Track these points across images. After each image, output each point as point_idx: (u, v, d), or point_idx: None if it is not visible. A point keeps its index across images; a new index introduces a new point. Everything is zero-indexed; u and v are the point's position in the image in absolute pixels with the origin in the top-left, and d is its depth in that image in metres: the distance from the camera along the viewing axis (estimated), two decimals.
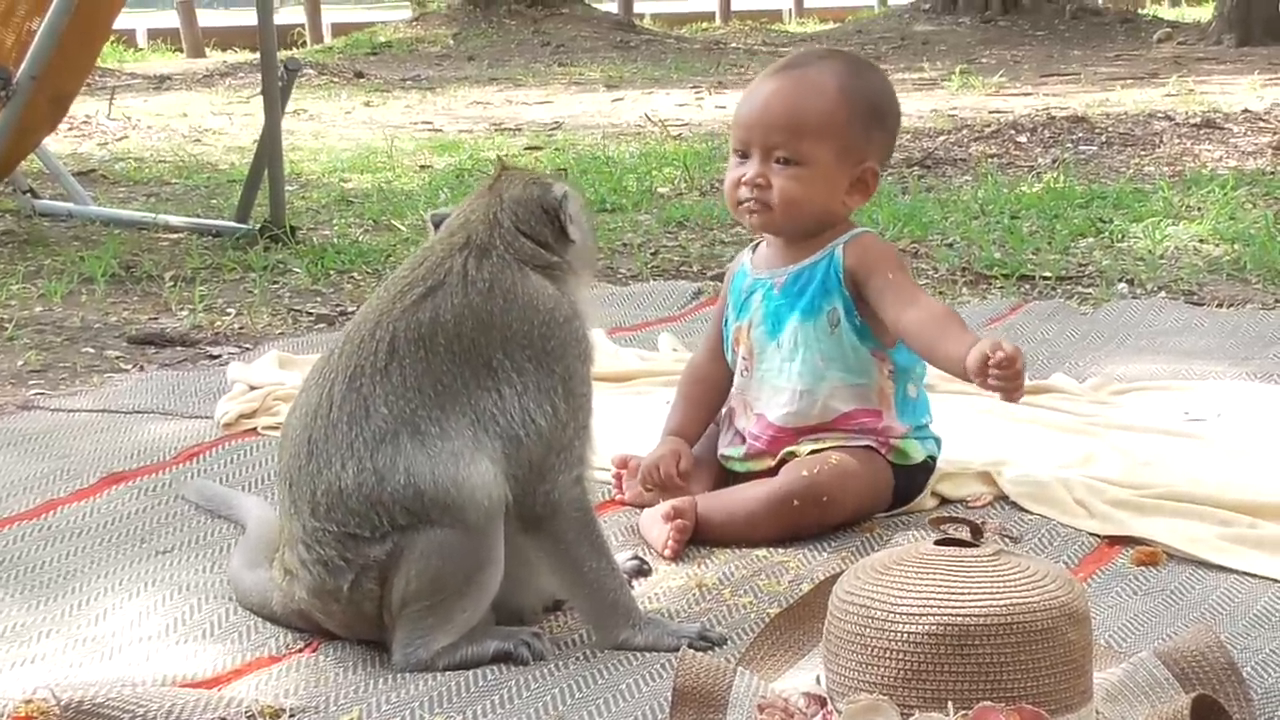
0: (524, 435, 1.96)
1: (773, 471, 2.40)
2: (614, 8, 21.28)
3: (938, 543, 1.74)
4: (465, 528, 1.92)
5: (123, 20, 11.85)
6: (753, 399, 2.46)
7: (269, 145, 5.19)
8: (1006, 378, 2.15)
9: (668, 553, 2.29)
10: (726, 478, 2.48)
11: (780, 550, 2.31)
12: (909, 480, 2.42)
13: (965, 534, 1.75)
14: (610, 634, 2.01)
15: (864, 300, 2.40)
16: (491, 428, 1.95)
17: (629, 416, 2.97)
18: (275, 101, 5.18)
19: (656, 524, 2.32)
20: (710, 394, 2.54)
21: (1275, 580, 2.18)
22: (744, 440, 2.48)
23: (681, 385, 2.59)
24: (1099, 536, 2.33)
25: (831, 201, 2.43)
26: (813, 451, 2.38)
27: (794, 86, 2.41)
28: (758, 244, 2.57)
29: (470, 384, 1.95)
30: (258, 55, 5.38)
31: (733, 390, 2.51)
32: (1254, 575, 2.20)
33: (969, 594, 1.66)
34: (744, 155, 2.44)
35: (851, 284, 2.41)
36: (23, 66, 4.81)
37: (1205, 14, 17.73)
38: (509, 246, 2.01)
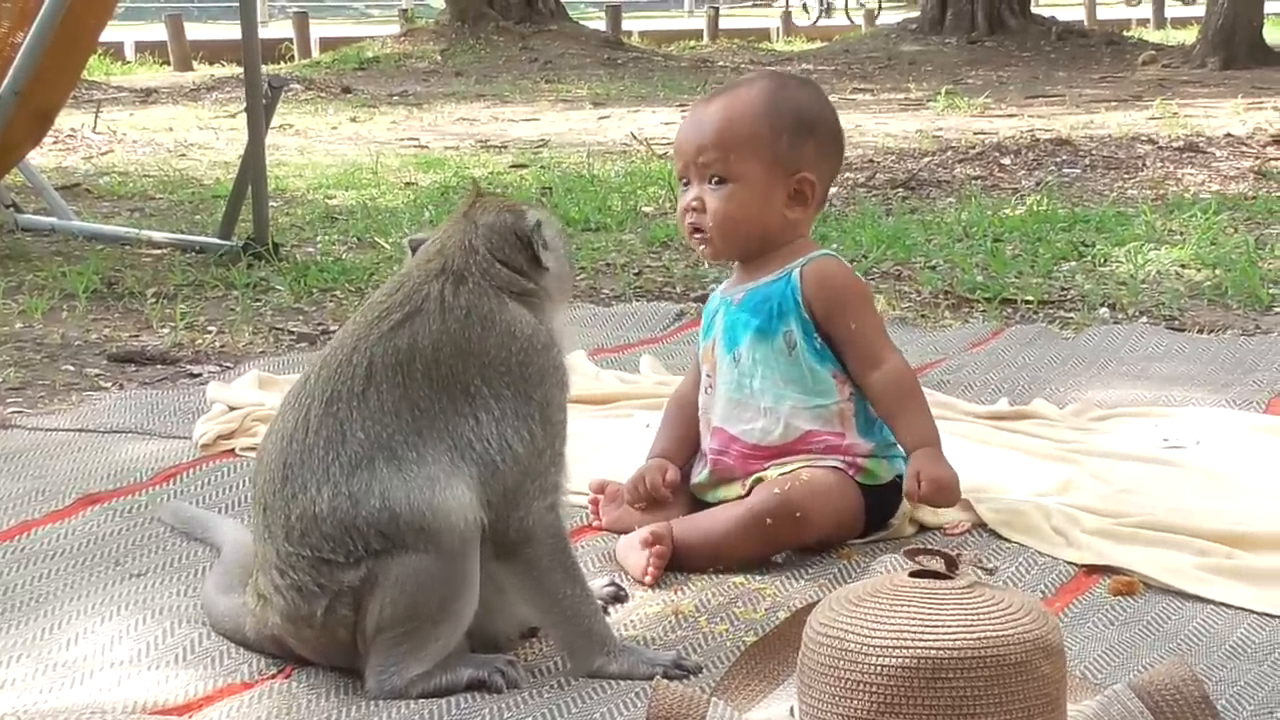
0: (500, 461, 1.95)
1: (743, 498, 2.40)
2: (602, 25, 21.32)
3: (912, 574, 1.73)
4: (440, 553, 1.91)
5: (110, 33, 11.84)
6: (714, 415, 2.47)
7: (253, 162, 5.19)
8: (933, 506, 2.38)
9: (647, 579, 2.28)
10: (700, 509, 2.48)
11: (757, 577, 2.31)
12: (880, 501, 2.42)
13: (940, 565, 1.75)
14: (585, 662, 2.01)
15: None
16: (468, 454, 1.94)
17: (609, 439, 2.97)
18: (259, 118, 5.17)
19: (634, 550, 2.32)
20: (694, 419, 2.54)
21: (1252, 611, 2.18)
22: (706, 461, 2.47)
23: (666, 412, 2.60)
24: (1076, 565, 2.33)
25: (769, 216, 2.45)
26: (781, 474, 2.38)
27: (721, 107, 2.46)
28: (731, 272, 2.59)
29: (447, 410, 1.95)
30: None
31: (700, 410, 2.52)
32: (1230, 606, 2.19)
33: (942, 627, 1.65)
34: (687, 182, 2.49)
35: (810, 311, 2.42)
36: (6, 81, 4.80)
37: (1190, 36, 17.80)
38: (484, 273, 2.01)
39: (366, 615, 1.93)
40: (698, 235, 2.47)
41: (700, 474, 2.50)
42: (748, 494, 2.40)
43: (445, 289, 1.99)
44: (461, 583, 1.94)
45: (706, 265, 4.98)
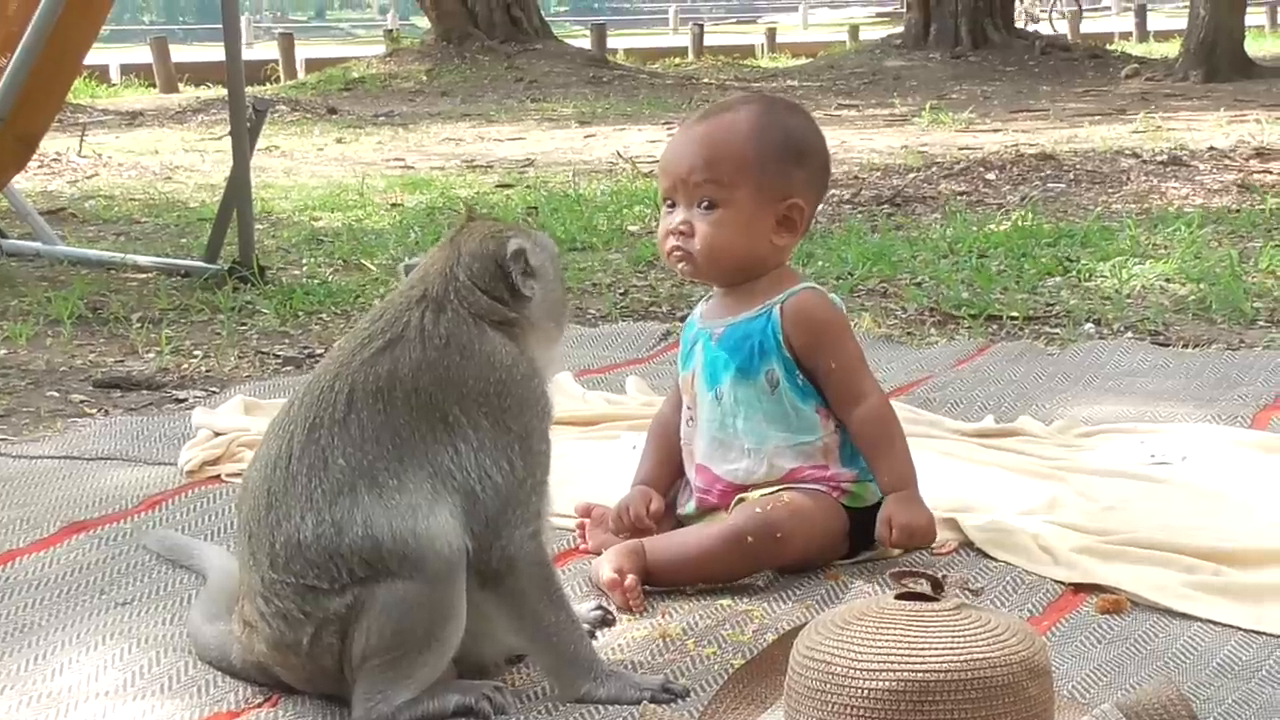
0: (480, 491, 1.95)
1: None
2: (587, 43, 21.36)
3: (898, 596, 1.74)
4: (426, 580, 1.91)
5: (95, 56, 11.84)
6: (695, 449, 2.46)
7: (238, 185, 5.19)
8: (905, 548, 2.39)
9: (632, 607, 2.27)
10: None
11: (744, 599, 2.30)
12: (866, 522, 2.42)
13: (926, 588, 1.75)
14: (572, 687, 2.00)
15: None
16: (449, 482, 1.94)
17: (595, 461, 2.97)
18: (244, 141, 5.17)
19: (605, 572, 2.30)
20: (678, 445, 2.53)
21: (1238, 628, 2.18)
22: (691, 494, 2.48)
23: (649, 437, 2.59)
24: (1064, 584, 2.33)
25: (757, 243, 2.44)
26: (764, 495, 2.38)
27: (710, 131, 2.44)
28: (711, 295, 2.57)
29: (427, 437, 1.94)
30: None
31: (682, 440, 2.51)
32: (1217, 623, 2.20)
33: (929, 649, 1.65)
34: (672, 204, 2.47)
35: (790, 348, 2.41)
36: None
37: (1172, 50, 17.86)
38: (464, 301, 2.01)
39: (353, 642, 1.93)
40: (680, 256, 2.45)
41: (686, 506, 2.50)
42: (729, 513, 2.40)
43: (425, 317, 1.99)
44: (448, 609, 1.94)
45: (690, 285, 4.99)
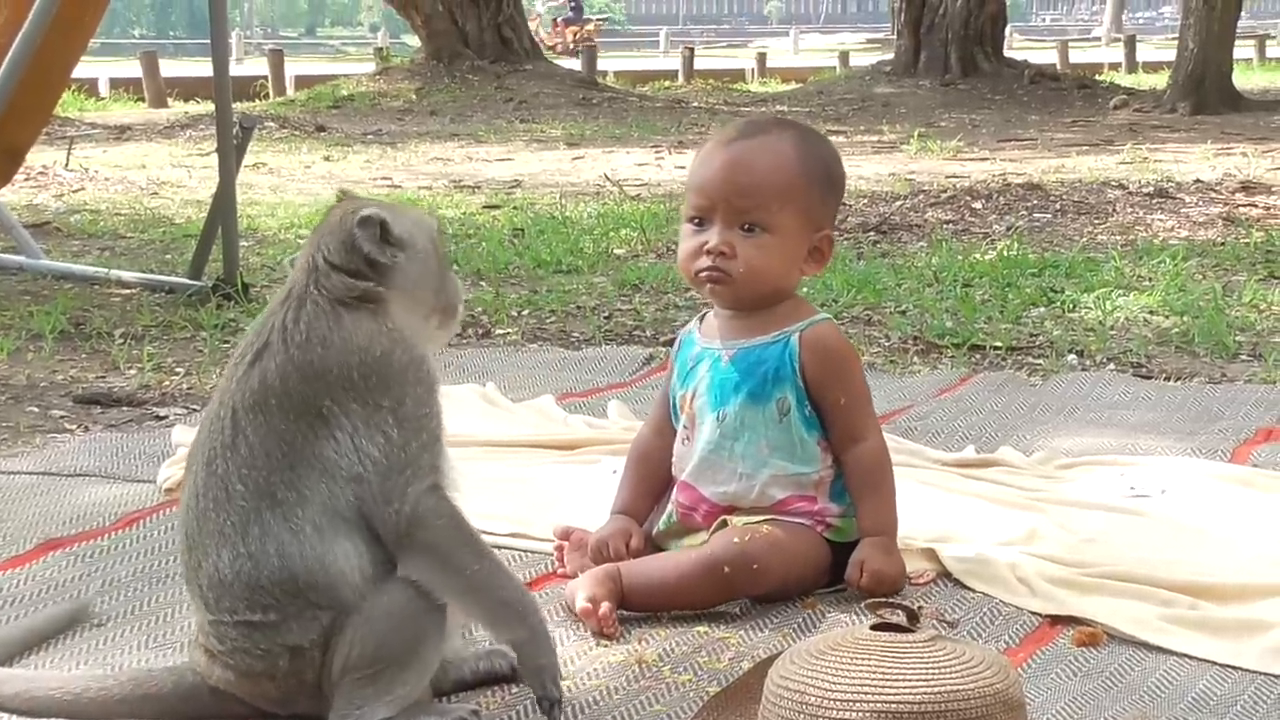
0: (364, 471, 1.92)
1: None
2: (578, 65, 21.41)
3: (874, 627, 1.73)
4: (341, 609, 1.90)
5: (84, 69, 11.83)
6: (686, 469, 2.45)
7: (223, 202, 5.18)
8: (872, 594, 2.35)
9: (608, 633, 2.26)
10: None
11: (721, 626, 2.30)
12: (848, 555, 2.41)
13: (901, 618, 1.75)
14: (509, 631, 1.97)
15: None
16: (338, 475, 1.92)
17: (575, 485, 2.96)
18: (230, 159, 5.17)
19: (579, 600, 2.30)
20: (657, 470, 2.52)
21: (1214, 663, 2.18)
22: (672, 509, 2.46)
23: (628, 462, 2.57)
24: (1041, 615, 2.33)
25: (791, 271, 2.42)
26: (745, 523, 2.37)
27: (756, 153, 2.38)
28: (705, 314, 2.55)
29: (309, 436, 1.93)
30: None
31: (673, 458, 2.50)
32: (1193, 657, 2.20)
33: (903, 680, 1.65)
34: (701, 222, 2.41)
35: (803, 378, 2.40)
36: None
37: (1161, 81, 17.95)
38: (322, 288, 1.97)
39: (335, 655, 1.92)
40: (716, 277, 2.38)
41: (663, 522, 2.48)
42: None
43: (286, 317, 1.97)
44: (431, 629, 1.93)
45: (675, 309, 4.99)
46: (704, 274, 2.39)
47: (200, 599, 1.95)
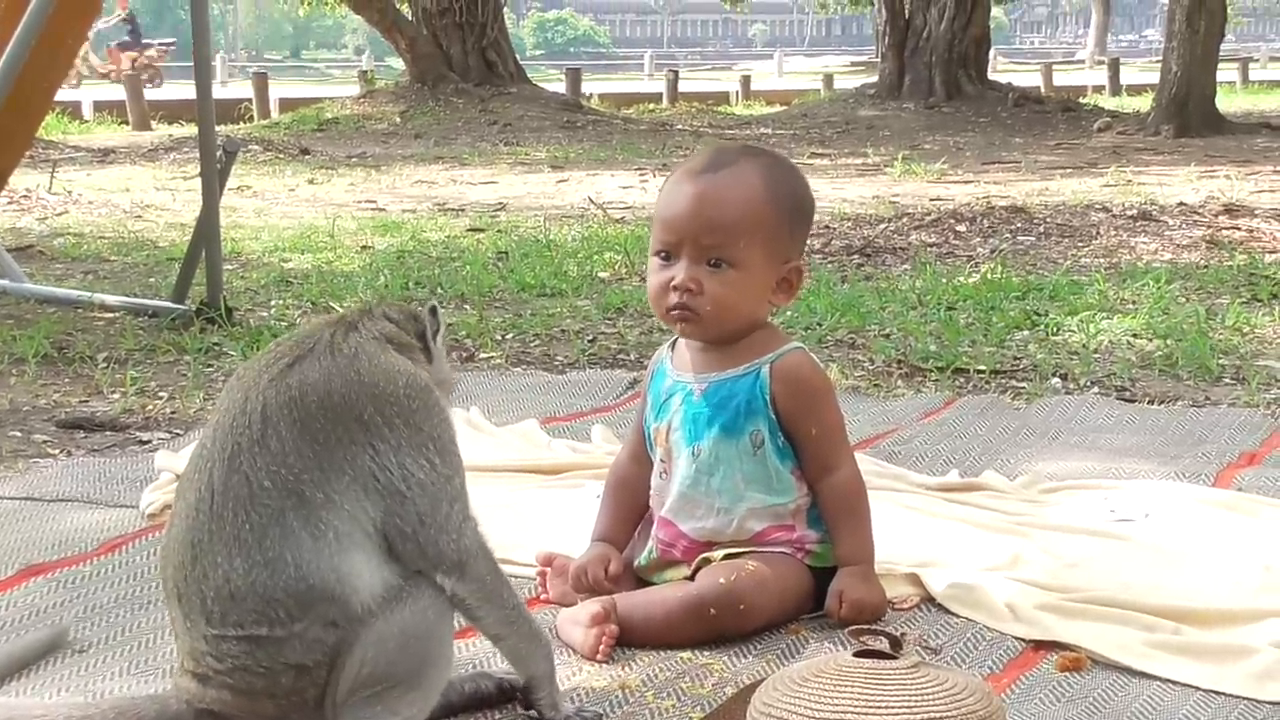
0: (406, 490, 1.94)
1: (689, 579, 2.38)
2: (562, 88, 21.45)
3: (857, 654, 1.73)
4: (349, 621, 1.90)
5: (68, 92, 11.82)
6: (665, 501, 2.45)
7: (206, 227, 5.18)
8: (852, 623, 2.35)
9: (599, 657, 2.26)
10: (644, 584, 2.46)
11: (704, 653, 2.29)
12: (829, 580, 2.41)
13: (884, 645, 1.75)
14: (536, 664, 2.07)
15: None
16: (372, 486, 1.93)
17: (558, 510, 2.96)
18: (213, 183, 5.17)
19: (579, 625, 2.30)
20: (635, 497, 2.51)
21: (1197, 688, 2.18)
22: (652, 545, 2.46)
23: (606, 489, 2.56)
24: (1024, 641, 2.33)
25: (759, 305, 2.41)
26: (727, 556, 2.37)
27: (723, 187, 2.36)
28: (675, 340, 2.53)
29: (344, 440, 1.93)
30: None
31: (651, 490, 2.49)
32: (1176, 683, 2.19)
33: (886, 707, 1.65)
34: (668, 257, 2.39)
35: (775, 409, 2.40)
36: None
37: (1144, 104, 18.03)
38: (375, 326, 2.06)
39: (342, 673, 1.91)
40: (684, 314, 2.37)
41: (644, 556, 2.47)
42: (693, 574, 2.39)
43: (335, 334, 2.02)
44: (439, 650, 1.96)
45: (659, 333, 4.99)
46: (673, 312, 2.38)
47: (202, 613, 1.91)
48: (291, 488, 1.90)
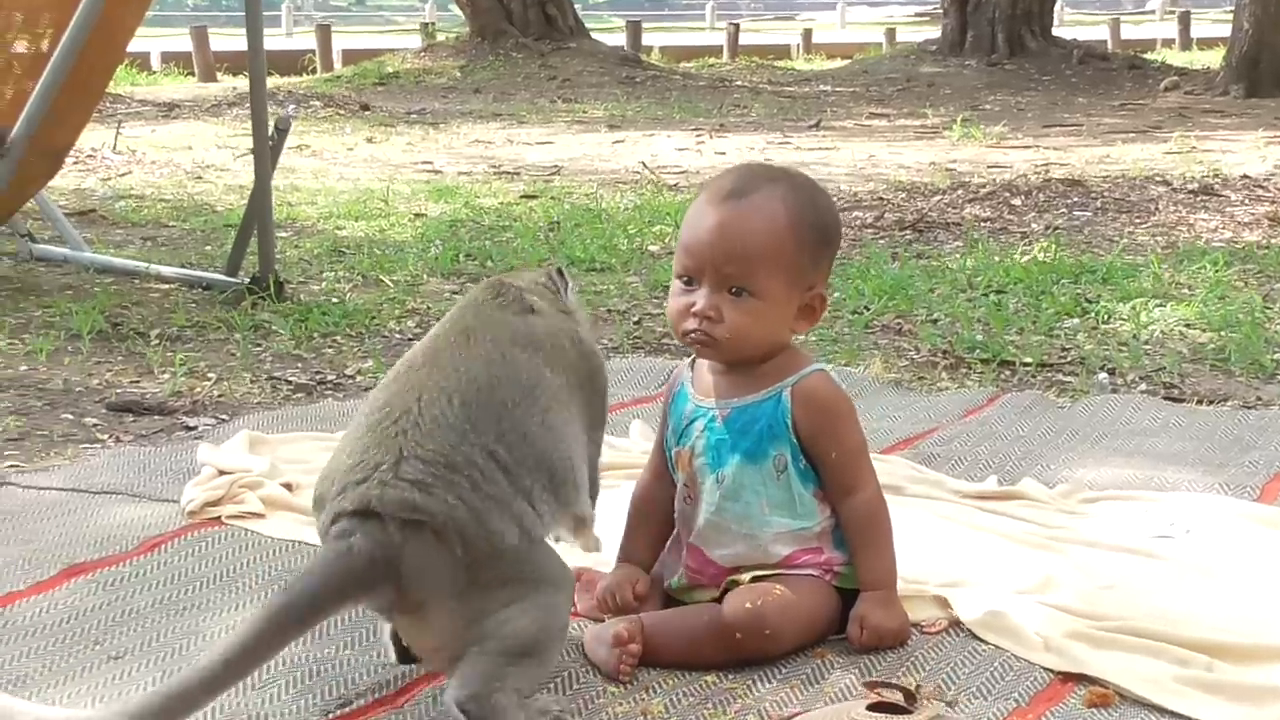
0: (589, 438, 2.30)
1: (717, 600, 2.39)
2: (623, 39, 21.36)
3: (870, 707, 1.73)
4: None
5: (137, 43, 11.89)
6: (692, 528, 2.45)
7: (258, 201, 5.21)
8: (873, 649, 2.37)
9: (622, 676, 2.28)
10: (674, 604, 2.47)
11: (729, 677, 2.30)
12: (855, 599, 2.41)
13: (899, 698, 1.74)
14: None
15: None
16: (564, 431, 2.21)
17: (597, 511, 2.96)
18: (265, 159, 5.19)
19: (604, 644, 2.31)
20: (661, 516, 2.52)
21: None
22: (681, 570, 2.47)
23: (630, 511, 2.56)
24: (1052, 672, 2.31)
25: (780, 332, 2.41)
26: (755, 578, 2.37)
27: (745, 216, 2.35)
28: (694, 359, 2.52)
29: (556, 385, 2.20)
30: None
31: (675, 514, 2.50)
32: None
33: None
34: (690, 281, 2.39)
35: (797, 433, 2.39)
36: (17, 126, 4.83)
37: (1215, 59, 17.72)
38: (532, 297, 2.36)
39: (500, 618, 2.01)
40: (702, 340, 2.36)
41: (674, 580, 2.49)
42: (721, 595, 2.39)
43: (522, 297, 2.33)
44: (564, 631, 2.16)
45: None
46: (691, 336, 2.38)
47: (443, 424, 2.04)
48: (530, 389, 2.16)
